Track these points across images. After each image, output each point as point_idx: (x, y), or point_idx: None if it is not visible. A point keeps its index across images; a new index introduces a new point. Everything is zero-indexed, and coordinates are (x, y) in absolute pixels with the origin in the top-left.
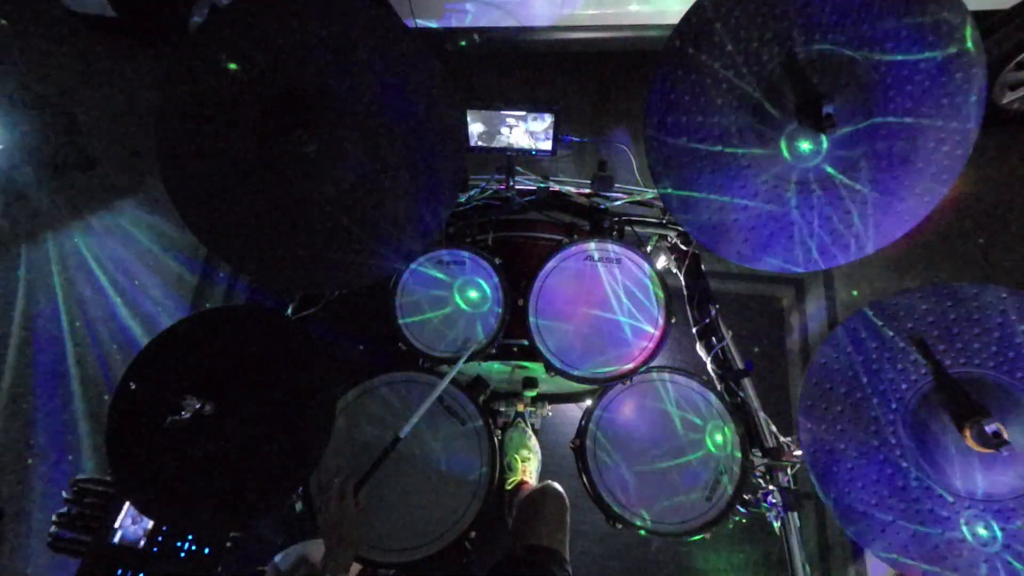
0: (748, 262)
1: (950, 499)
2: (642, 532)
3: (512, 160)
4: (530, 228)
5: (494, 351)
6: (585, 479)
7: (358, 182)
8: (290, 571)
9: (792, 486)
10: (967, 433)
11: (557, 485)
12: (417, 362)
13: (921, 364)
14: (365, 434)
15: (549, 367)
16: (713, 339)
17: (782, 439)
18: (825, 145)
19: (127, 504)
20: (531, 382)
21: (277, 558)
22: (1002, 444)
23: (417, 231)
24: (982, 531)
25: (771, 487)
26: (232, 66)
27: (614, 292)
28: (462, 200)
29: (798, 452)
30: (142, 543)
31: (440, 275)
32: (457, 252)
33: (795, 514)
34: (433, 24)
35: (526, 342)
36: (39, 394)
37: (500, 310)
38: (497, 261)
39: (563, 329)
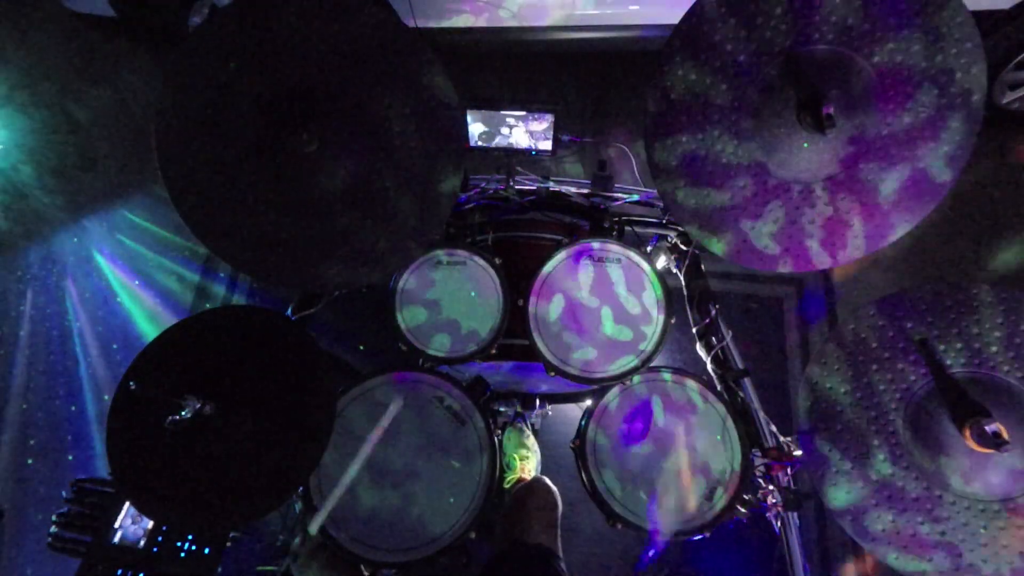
0: (747, 262)
1: (950, 499)
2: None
3: (512, 160)
4: (530, 228)
5: (494, 351)
6: (585, 479)
7: (358, 182)
8: (311, 553)
9: (792, 486)
10: (967, 433)
11: (546, 479)
12: (417, 362)
13: (921, 364)
14: (364, 434)
15: (549, 367)
16: (713, 339)
17: (782, 439)
18: (825, 145)
19: (127, 504)
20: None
21: (297, 540)
22: (1002, 444)
23: (417, 231)
24: None
25: (771, 487)
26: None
27: (614, 292)
28: (462, 200)
29: (798, 452)
30: (142, 543)
31: (440, 275)
32: (457, 252)
33: (795, 514)
34: (433, 24)
35: (526, 342)
36: (39, 394)
37: (500, 310)
38: (497, 261)
39: (563, 329)
